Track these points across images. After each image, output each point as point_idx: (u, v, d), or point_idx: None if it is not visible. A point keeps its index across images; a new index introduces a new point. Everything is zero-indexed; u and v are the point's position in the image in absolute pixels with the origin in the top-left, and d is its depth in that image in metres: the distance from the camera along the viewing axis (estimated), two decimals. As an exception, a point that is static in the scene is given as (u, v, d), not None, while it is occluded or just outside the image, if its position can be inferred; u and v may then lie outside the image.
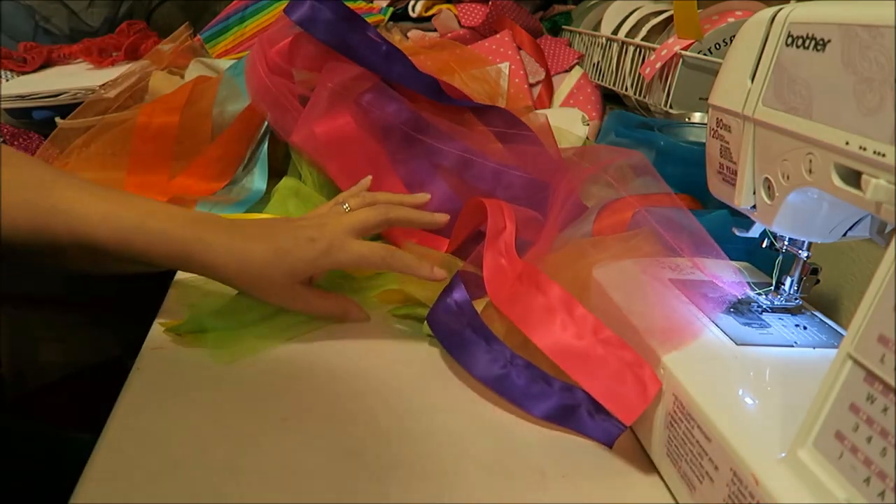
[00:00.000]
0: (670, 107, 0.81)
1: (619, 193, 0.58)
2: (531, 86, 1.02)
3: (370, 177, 0.61)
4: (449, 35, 1.11)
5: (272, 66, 0.66)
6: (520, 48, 1.04)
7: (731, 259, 0.51)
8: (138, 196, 0.47)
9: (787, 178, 0.36)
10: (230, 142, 0.72)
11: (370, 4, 1.22)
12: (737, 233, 0.46)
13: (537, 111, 0.83)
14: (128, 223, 0.45)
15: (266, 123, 0.72)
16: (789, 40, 0.36)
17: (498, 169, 0.64)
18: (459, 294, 0.49)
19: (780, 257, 0.43)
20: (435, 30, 1.16)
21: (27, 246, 0.44)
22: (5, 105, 0.93)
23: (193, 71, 0.94)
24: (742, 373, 0.37)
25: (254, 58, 0.68)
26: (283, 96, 0.66)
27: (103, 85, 0.94)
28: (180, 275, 0.57)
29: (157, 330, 0.50)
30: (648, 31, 0.92)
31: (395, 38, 1.13)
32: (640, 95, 0.90)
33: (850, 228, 0.39)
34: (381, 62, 0.64)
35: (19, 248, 0.44)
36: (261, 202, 0.69)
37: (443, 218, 0.56)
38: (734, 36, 0.41)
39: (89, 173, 0.68)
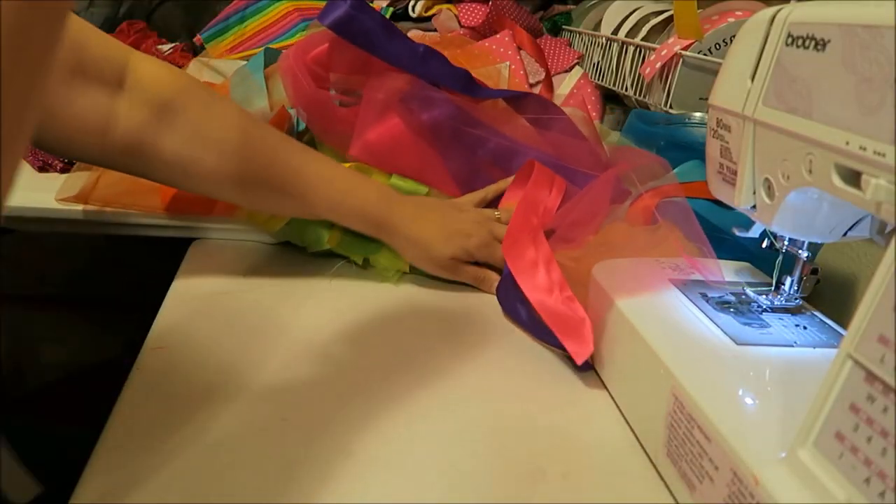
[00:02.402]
0: (670, 107, 0.81)
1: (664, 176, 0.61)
2: (531, 86, 1.02)
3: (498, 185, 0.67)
4: (449, 35, 1.11)
5: (311, 74, 0.67)
6: (520, 48, 1.04)
7: (732, 259, 0.51)
8: (347, 171, 0.60)
9: (787, 178, 0.36)
10: None
11: (370, 4, 1.22)
12: (737, 233, 0.46)
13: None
14: (332, 198, 0.57)
15: (293, 128, 0.72)
16: (789, 40, 0.36)
17: (541, 157, 0.66)
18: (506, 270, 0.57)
19: (780, 257, 0.43)
20: (435, 30, 1.16)
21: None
22: (6, 105, 0.92)
23: (194, 71, 0.94)
24: (742, 373, 0.37)
25: (294, 70, 0.67)
26: (327, 106, 0.67)
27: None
28: (179, 276, 0.57)
29: (157, 330, 0.50)
30: (648, 31, 0.92)
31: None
32: (640, 95, 0.90)
33: (850, 228, 0.39)
34: (419, 64, 0.66)
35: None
36: None
37: None
38: (734, 36, 0.41)
39: (124, 190, 0.67)
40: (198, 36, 1.14)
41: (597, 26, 1.08)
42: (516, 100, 0.71)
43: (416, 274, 0.62)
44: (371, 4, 1.20)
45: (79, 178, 0.67)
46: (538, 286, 0.52)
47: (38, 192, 0.67)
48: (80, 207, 0.65)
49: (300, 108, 0.68)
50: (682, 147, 0.69)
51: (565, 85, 1.04)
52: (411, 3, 1.19)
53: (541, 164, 0.65)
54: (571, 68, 1.07)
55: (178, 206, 0.65)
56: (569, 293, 0.50)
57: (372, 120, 0.65)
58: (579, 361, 0.46)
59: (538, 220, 0.60)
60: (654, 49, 0.85)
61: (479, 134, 0.66)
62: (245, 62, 0.83)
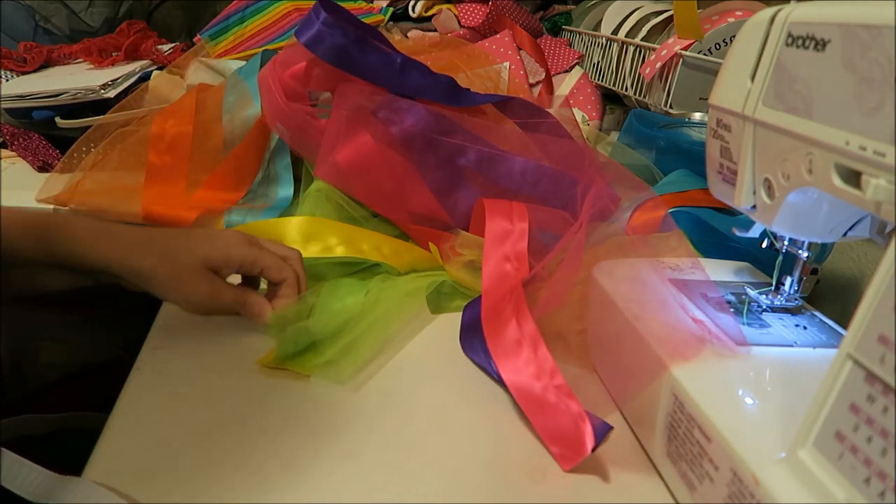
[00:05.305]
0: (670, 107, 0.81)
1: (650, 193, 0.59)
2: (531, 86, 1.02)
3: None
4: (449, 35, 1.11)
5: (287, 89, 0.66)
6: (520, 48, 1.04)
7: (732, 259, 0.51)
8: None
9: (787, 178, 0.36)
10: (246, 152, 0.71)
11: (370, 4, 1.22)
12: (737, 233, 0.46)
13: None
14: None
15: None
16: (789, 40, 0.36)
17: (525, 164, 0.62)
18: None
19: (781, 257, 0.43)
20: (435, 30, 1.16)
21: None
22: (5, 105, 0.93)
23: (194, 71, 0.94)
24: (742, 373, 0.37)
25: (269, 83, 0.66)
26: (303, 119, 0.65)
27: (103, 85, 0.94)
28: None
29: (157, 330, 0.50)
30: (648, 31, 0.92)
31: (395, 38, 1.13)
32: (640, 95, 0.90)
33: (850, 228, 0.39)
34: (396, 76, 0.63)
35: None
36: (291, 207, 0.69)
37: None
38: (734, 36, 0.41)
39: (105, 195, 0.66)
40: (197, 36, 1.14)
41: (597, 26, 1.08)
42: (502, 104, 0.68)
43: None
44: (371, 5, 1.21)
45: (60, 180, 0.67)
46: (520, 369, 0.45)
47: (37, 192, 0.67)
48: (63, 208, 0.65)
49: (278, 124, 0.67)
50: (680, 150, 0.69)
51: (565, 85, 1.04)
52: (411, 3, 1.19)
53: (490, 199, 0.59)
54: (571, 68, 1.07)
55: (158, 215, 0.64)
56: (560, 380, 0.43)
57: (339, 138, 0.62)
58: (567, 467, 0.39)
59: (513, 268, 0.53)
60: (654, 49, 0.85)
61: (458, 142, 0.62)
62: (245, 62, 0.83)
